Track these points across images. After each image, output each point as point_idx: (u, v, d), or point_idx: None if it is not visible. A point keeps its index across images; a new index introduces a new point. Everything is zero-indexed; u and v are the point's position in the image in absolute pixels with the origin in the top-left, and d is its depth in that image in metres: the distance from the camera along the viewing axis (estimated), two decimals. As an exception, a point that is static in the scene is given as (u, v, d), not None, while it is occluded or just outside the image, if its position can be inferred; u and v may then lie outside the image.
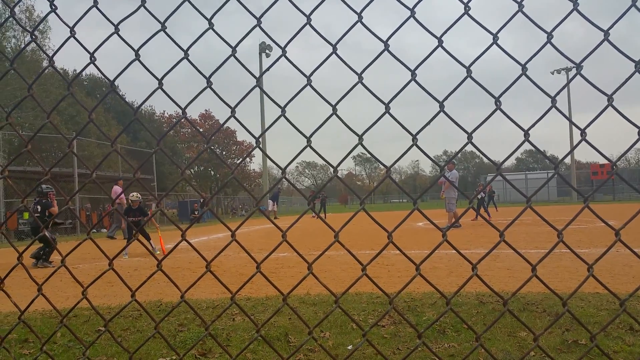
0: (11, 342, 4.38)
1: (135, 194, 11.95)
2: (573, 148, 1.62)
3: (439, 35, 1.47)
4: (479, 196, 22.57)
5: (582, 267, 1.45)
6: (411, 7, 1.47)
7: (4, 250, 12.90)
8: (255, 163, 66.89)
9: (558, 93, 1.40)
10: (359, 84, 1.51)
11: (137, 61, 1.67)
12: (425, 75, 1.56)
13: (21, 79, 1.57)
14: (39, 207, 10.61)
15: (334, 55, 1.55)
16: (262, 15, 1.55)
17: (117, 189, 17.72)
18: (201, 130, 55.74)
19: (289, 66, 1.62)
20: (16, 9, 30.26)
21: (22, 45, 33.33)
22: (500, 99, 1.42)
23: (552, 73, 55.16)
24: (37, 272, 9.25)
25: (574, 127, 1.48)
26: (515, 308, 4.86)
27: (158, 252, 11.09)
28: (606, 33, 1.35)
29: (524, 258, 1.38)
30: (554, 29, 1.39)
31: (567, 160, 56.10)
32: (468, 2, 1.44)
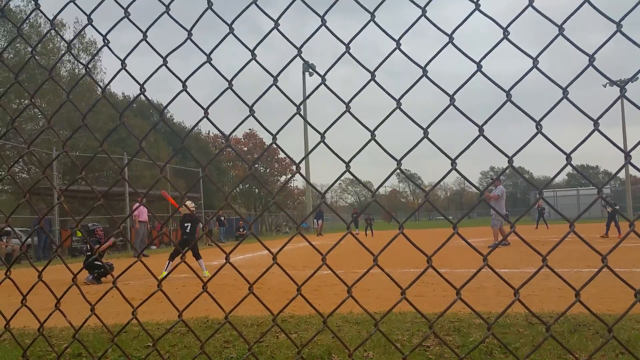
0: (66, 356, 4.56)
1: (189, 202, 12.36)
2: (619, 170, 1.58)
3: (477, 60, 1.48)
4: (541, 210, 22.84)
5: (637, 286, 1.40)
6: (449, 32, 1.49)
7: (59, 267, 13.39)
8: (298, 180, 67.76)
9: (601, 116, 1.38)
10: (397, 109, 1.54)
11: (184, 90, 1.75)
12: (455, 88, 1.56)
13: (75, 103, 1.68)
14: (88, 245, 11.26)
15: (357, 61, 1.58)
16: (302, 45, 1.60)
17: (142, 208, 19.25)
18: (245, 148, 57.04)
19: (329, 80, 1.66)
20: (67, 32, 32.10)
21: (75, 69, 35.13)
22: (542, 122, 1.41)
23: (604, 86, 53.55)
24: (89, 289, 9.56)
25: (627, 141, 1.46)
26: (565, 330, 4.71)
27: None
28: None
29: (567, 283, 1.36)
30: (595, 52, 1.38)
31: (622, 175, 54.03)
32: (507, 26, 1.45)
